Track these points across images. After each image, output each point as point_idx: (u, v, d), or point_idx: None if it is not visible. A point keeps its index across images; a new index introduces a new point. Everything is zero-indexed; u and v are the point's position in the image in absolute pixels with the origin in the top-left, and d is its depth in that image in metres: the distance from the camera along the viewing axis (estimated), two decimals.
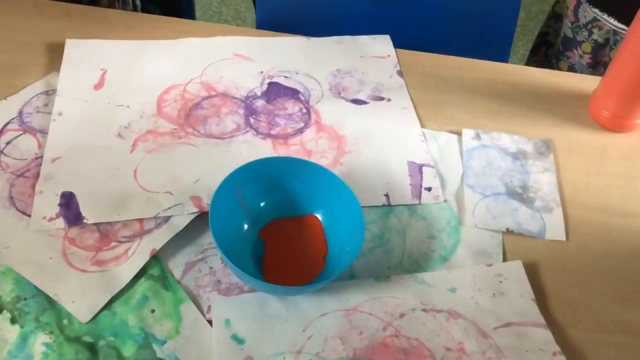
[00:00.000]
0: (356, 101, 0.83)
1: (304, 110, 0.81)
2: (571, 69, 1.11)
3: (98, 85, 0.80)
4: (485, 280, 0.66)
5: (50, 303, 0.60)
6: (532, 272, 0.67)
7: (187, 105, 0.79)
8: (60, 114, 0.76)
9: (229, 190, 0.64)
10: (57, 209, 0.66)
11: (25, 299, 0.60)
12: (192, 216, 0.66)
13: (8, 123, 0.74)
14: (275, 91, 0.83)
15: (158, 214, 0.66)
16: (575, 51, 1.08)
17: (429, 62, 0.91)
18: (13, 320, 0.58)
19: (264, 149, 0.76)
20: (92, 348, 0.57)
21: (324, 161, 0.75)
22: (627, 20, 1.00)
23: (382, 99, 0.84)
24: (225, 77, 0.84)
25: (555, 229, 0.72)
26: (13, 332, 0.57)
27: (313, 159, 0.75)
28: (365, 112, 0.82)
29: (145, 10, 1.05)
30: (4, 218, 0.65)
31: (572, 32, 1.07)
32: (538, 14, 2.40)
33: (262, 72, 0.85)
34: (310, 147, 0.77)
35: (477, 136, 0.80)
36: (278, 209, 0.68)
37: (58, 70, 0.81)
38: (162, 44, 0.87)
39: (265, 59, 0.87)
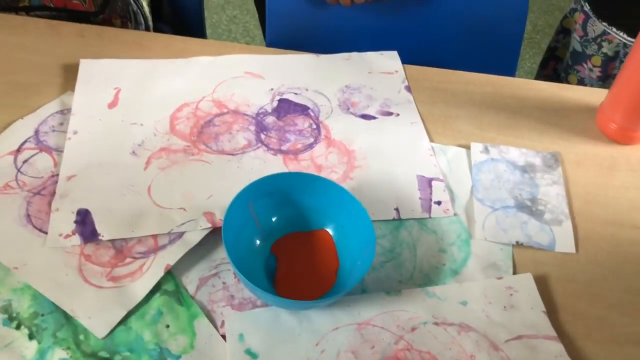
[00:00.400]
0: (365, 116, 0.84)
1: (314, 126, 0.82)
2: (581, 82, 1.11)
3: (112, 104, 0.82)
4: (496, 293, 0.66)
5: (67, 319, 0.61)
6: (543, 285, 0.68)
7: (200, 122, 0.81)
8: (75, 133, 0.77)
9: (241, 206, 0.65)
10: (73, 226, 0.67)
11: (42, 315, 0.61)
12: (205, 232, 0.68)
13: (25, 142, 0.76)
14: (286, 108, 0.84)
15: (172, 230, 0.67)
16: (584, 65, 1.09)
17: (436, 77, 0.92)
18: (31, 336, 0.59)
19: (275, 165, 0.77)
20: None
21: (334, 176, 0.76)
22: (635, 33, 1.01)
23: (390, 114, 0.85)
24: (237, 94, 0.85)
25: (564, 242, 0.72)
26: (31, 348, 0.58)
27: (323, 174, 0.76)
28: (374, 127, 0.83)
29: (157, 29, 1.07)
30: (22, 235, 0.66)
31: (581, 46, 1.08)
32: (544, 28, 2.41)
33: (272, 89, 0.87)
34: (321, 162, 0.78)
35: (486, 150, 0.81)
36: (289, 224, 0.69)
37: (73, 89, 0.83)
38: (174, 62, 0.89)
39: (275, 76, 0.89)
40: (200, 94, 0.85)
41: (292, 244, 0.68)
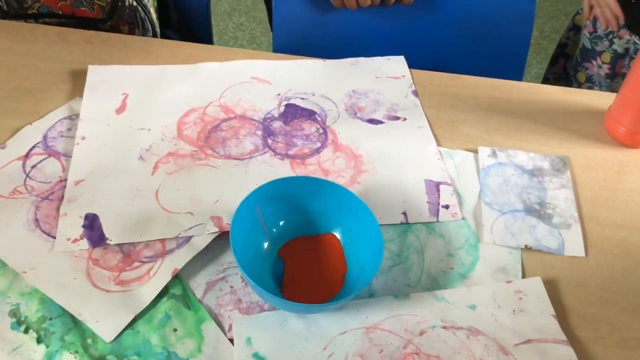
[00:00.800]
0: (372, 121, 0.84)
1: (321, 131, 0.82)
2: (589, 80, 1.11)
3: (120, 110, 0.82)
4: (505, 297, 0.66)
5: (75, 323, 0.61)
6: (552, 289, 0.67)
7: (207, 127, 0.81)
8: (83, 138, 0.78)
9: (249, 210, 0.65)
10: (81, 231, 0.67)
11: (50, 319, 0.61)
12: (213, 236, 0.68)
13: (33, 147, 0.76)
14: (292, 112, 0.84)
15: (179, 234, 0.67)
16: (594, 62, 1.08)
17: (443, 82, 0.92)
18: (39, 340, 0.59)
19: (282, 169, 0.77)
20: None
21: (341, 180, 0.76)
22: None
23: (397, 118, 0.85)
24: (244, 99, 0.85)
25: (574, 245, 0.71)
26: (39, 352, 0.58)
27: (330, 179, 0.76)
28: (382, 132, 0.83)
29: (164, 36, 1.07)
30: (30, 240, 0.66)
31: (590, 42, 1.08)
32: (551, 33, 2.41)
33: (279, 94, 0.87)
34: (328, 166, 0.78)
35: (494, 154, 0.81)
36: (297, 228, 0.69)
37: (81, 95, 0.83)
38: (181, 68, 0.89)
39: (282, 81, 0.89)
40: (208, 100, 0.85)
41: (299, 248, 0.68)
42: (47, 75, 0.86)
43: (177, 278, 0.65)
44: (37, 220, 0.68)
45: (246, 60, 0.91)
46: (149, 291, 0.63)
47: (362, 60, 0.94)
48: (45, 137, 0.78)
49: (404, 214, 0.73)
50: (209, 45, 0.97)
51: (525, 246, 0.71)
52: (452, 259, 0.69)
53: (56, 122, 0.80)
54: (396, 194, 0.75)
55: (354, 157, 0.79)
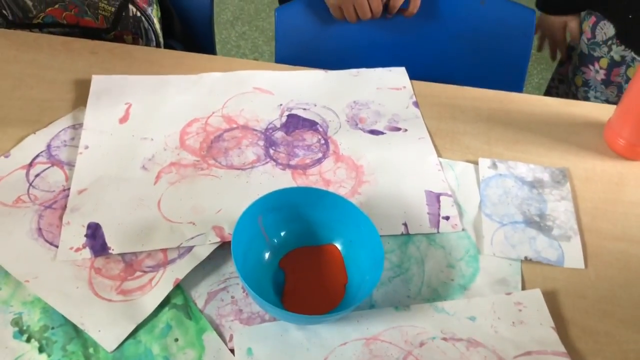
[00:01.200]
0: (373, 132, 0.85)
1: (322, 141, 0.83)
2: (585, 84, 1.12)
3: (123, 119, 0.83)
4: (505, 308, 0.66)
5: (76, 332, 0.61)
6: (552, 301, 0.67)
7: (209, 137, 0.81)
8: (86, 147, 0.78)
9: (250, 220, 0.65)
10: (83, 240, 0.68)
11: (52, 328, 0.61)
12: (214, 246, 0.68)
13: (37, 156, 0.77)
14: (294, 123, 0.85)
15: (181, 244, 0.68)
16: (591, 67, 1.09)
17: (444, 93, 0.93)
18: (41, 350, 0.59)
19: (284, 180, 0.77)
20: None
21: (342, 191, 0.76)
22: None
23: (398, 129, 0.86)
24: (246, 110, 0.86)
25: (573, 257, 0.72)
26: None
27: (331, 189, 0.76)
28: (383, 143, 0.83)
29: (167, 46, 1.08)
30: (33, 249, 0.67)
31: (587, 48, 1.09)
32: None
33: (281, 104, 0.88)
34: (329, 177, 0.78)
35: (494, 165, 0.81)
36: (298, 239, 0.69)
37: (85, 105, 0.84)
38: (184, 78, 0.90)
39: (284, 92, 0.90)
40: (210, 110, 0.86)
41: (300, 258, 0.68)
42: (51, 85, 0.87)
43: (179, 288, 0.65)
44: (40, 229, 0.69)
45: (249, 71, 0.92)
46: (150, 301, 0.63)
47: (363, 71, 0.95)
48: (48, 146, 0.78)
49: (405, 224, 0.73)
50: (212, 56, 0.98)
51: (525, 258, 0.71)
52: (452, 270, 0.70)
53: (60, 132, 0.80)
54: (397, 204, 0.75)
55: (355, 168, 0.80)
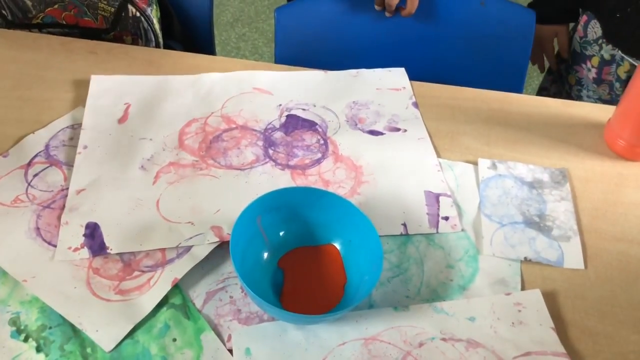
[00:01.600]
0: (373, 132, 0.85)
1: (322, 142, 0.83)
2: (578, 83, 1.13)
3: (122, 119, 0.83)
4: (504, 309, 0.66)
5: (74, 332, 0.61)
6: (551, 301, 0.67)
7: (208, 137, 0.81)
8: (85, 147, 0.78)
9: (249, 220, 0.65)
10: (81, 239, 0.68)
11: (50, 328, 0.61)
12: (213, 246, 0.68)
13: (35, 156, 0.77)
14: (294, 123, 0.85)
15: (180, 243, 0.68)
16: (584, 65, 1.10)
17: (444, 94, 0.92)
18: (38, 349, 0.59)
19: (283, 180, 0.77)
20: None
21: (341, 191, 0.76)
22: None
23: (398, 129, 0.85)
24: (245, 110, 0.86)
25: (573, 258, 0.72)
26: None
27: (331, 189, 0.76)
28: (382, 143, 0.83)
29: (167, 46, 1.08)
30: (31, 248, 0.67)
31: (580, 47, 1.09)
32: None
33: (280, 105, 0.87)
34: (328, 177, 0.78)
35: (493, 166, 0.81)
36: (297, 239, 0.69)
37: (83, 105, 0.84)
38: (183, 78, 0.90)
39: (283, 92, 0.89)
40: (209, 110, 0.85)
41: (299, 258, 0.68)
42: (50, 85, 0.87)
43: (177, 288, 0.65)
44: (38, 228, 0.69)
45: (248, 71, 0.92)
46: (148, 301, 0.63)
47: (363, 71, 0.94)
48: (47, 146, 0.78)
49: (404, 225, 0.73)
50: (212, 56, 0.98)
51: (525, 258, 0.71)
52: (451, 270, 0.69)
53: (58, 131, 0.80)
54: (396, 205, 0.75)
55: (354, 168, 0.79)
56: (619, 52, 1.04)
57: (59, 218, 0.70)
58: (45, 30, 0.99)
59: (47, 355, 0.59)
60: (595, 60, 1.06)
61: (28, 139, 0.79)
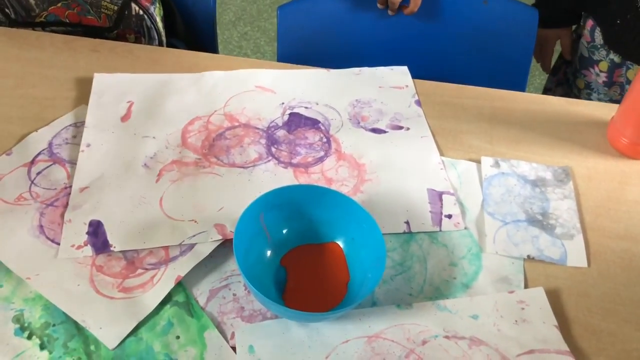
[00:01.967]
0: (375, 130, 0.85)
1: (324, 140, 0.83)
2: (587, 87, 1.12)
3: (125, 117, 0.83)
4: (507, 307, 0.66)
5: (78, 329, 0.61)
6: (554, 299, 0.67)
7: (211, 135, 0.81)
8: (88, 145, 0.78)
9: (252, 218, 0.65)
10: (85, 237, 0.68)
11: (54, 325, 0.61)
12: (216, 243, 0.68)
13: (39, 154, 0.77)
14: (296, 121, 0.85)
15: (183, 241, 0.68)
16: (592, 70, 1.09)
17: (446, 92, 0.92)
18: (42, 347, 0.59)
19: (286, 178, 0.77)
20: None
21: (344, 189, 0.76)
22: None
23: (401, 128, 0.85)
24: (248, 108, 0.86)
25: (576, 256, 0.71)
26: (42, 358, 0.58)
27: (334, 187, 0.76)
28: (385, 141, 0.83)
29: (169, 45, 1.08)
30: (34, 246, 0.67)
31: (587, 51, 1.09)
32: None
33: (283, 103, 0.87)
34: (331, 175, 0.78)
35: (496, 164, 0.81)
36: (300, 236, 0.69)
37: (86, 103, 0.84)
38: (186, 77, 0.90)
39: (286, 90, 0.89)
40: (212, 108, 0.85)
41: (302, 256, 0.68)
42: (54, 83, 0.87)
43: (180, 285, 0.65)
44: (41, 226, 0.69)
45: (251, 69, 0.92)
46: (152, 298, 0.63)
47: (365, 70, 0.94)
48: (50, 144, 0.78)
49: (407, 223, 0.73)
50: (214, 54, 0.98)
51: (528, 256, 0.71)
52: (454, 268, 0.69)
53: (62, 130, 0.80)
54: (399, 203, 0.75)
55: (357, 166, 0.79)
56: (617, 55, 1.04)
57: (62, 216, 0.70)
58: (49, 28, 0.99)
59: (50, 353, 0.59)
60: (604, 65, 1.06)
61: (31, 137, 0.79)
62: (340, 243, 0.69)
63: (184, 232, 0.69)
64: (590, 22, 1.08)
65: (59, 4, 0.97)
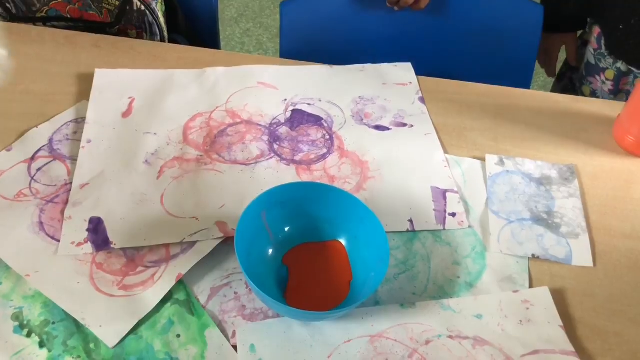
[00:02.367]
0: (379, 127, 0.84)
1: (327, 137, 0.82)
2: (593, 94, 1.11)
3: (126, 114, 0.82)
4: (512, 306, 0.65)
5: (77, 327, 0.60)
6: (560, 299, 0.66)
7: (213, 132, 0.81)
8: (89, 142, 0.77)
9: (254, 216, 0.64)
10: (85, 234, 0.67)
11: (53, 323, 0.60)
12: (218, 241, 0.67)
13: (39, 150, 0.76)
14: (299, 118, 0.84)
15: (184, 239, 0.67)
16: (597, 77, 1.08)
17: (450, 89, 0.91)
18: (41, 344, 0.59)
19: (288, 175, 0.76)
20: None
21: (347, 187, 0.75)
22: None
23: (404, 125, 0.85)
24: (250, 104, 0.85)
25: (582, 255, 0.71)
26: (41, 357, 0.58)
27: (336, 185, 0.75)
28: (388, 138, 0.82)
29: (171, 40, 1.07)
30: (34, 243, 0.66)
31: (594, 58, 1.08)
32: None
33: (285, 99, 0.87)
34: (334, 172, 0.77)
35: (501, 162, 0.80)
36: (302, 234, 0.68)
37: (87, 99, 0.83)
38: (188, 73, 0.89)
39: (288, 87, 0.89)
40: (214, 104, 0.85)
41: (304, 254, 0.67)
42: (54, 79, 0.86)
43: (181, 283, 0.64)
44: (41, 223, 0.68)
45: (253, 66, 0.91)
46: (152, 296, 0.62)
47: (369, 66, 0.94)
48: (51, 140, 0.78)
49: (410, 221, 0.72)
50: (216, 50, 0.97)
51: (533, 255, 0.70)
52: (458, 267, 0.69)
53: (62, 125, 0.80)
54: (402, 201, 0.74)
55: (360, 164, 0.79)
56: (624, 63, 1.03)
57: (62, 213, 0.69)
58: (50, 23, 0.98)
59: (50, 351, 0.58)
60: (610, 74, 1.05)
61: (32, 133, 0.78)
62: (343, 241, 0.68)
63: (185, 229, 0.68)
64: (597, 29, 1.07)
65: None
